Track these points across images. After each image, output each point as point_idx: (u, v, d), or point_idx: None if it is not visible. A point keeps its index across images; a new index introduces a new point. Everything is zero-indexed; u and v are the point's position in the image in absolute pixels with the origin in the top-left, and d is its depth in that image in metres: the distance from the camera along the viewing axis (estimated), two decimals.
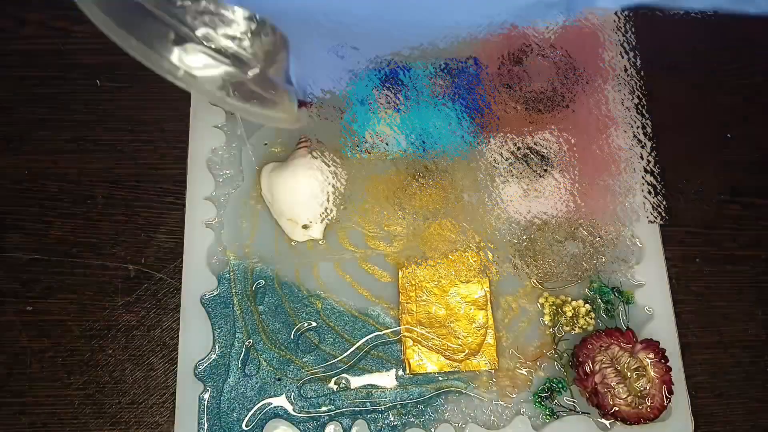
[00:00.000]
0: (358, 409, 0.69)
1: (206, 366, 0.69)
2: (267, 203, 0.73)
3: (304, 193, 0.71)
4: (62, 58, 0.79)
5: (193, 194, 0.74)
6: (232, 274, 0.72)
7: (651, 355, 0.70)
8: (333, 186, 0.73)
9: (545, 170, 0.77)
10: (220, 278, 0.72)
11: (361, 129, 0.77)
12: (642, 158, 0.79)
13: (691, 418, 0.71)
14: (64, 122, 0.77)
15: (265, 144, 0.77)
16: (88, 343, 0.71)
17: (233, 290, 0.72)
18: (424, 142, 0.77)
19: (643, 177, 0.78)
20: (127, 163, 0.77)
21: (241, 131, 0.77)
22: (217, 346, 0.70)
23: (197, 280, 0.72)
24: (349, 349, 0.71)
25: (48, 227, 0.74)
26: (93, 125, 0.78)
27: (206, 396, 0.68)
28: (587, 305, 0.73)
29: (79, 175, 0.76)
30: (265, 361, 0.70)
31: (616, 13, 0.84)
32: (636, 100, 0.81)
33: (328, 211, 0.73)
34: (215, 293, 0.71)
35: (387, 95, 0.78)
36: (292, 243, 0.74)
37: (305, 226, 0.72)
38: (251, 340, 0.70)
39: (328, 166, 0.73)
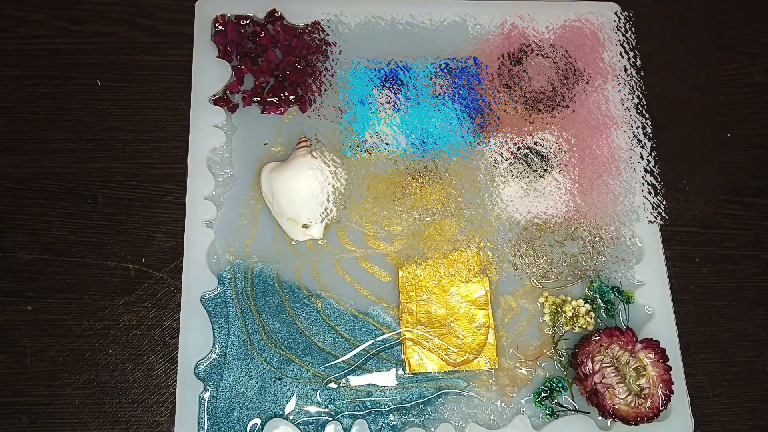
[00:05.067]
0: (359, 408, 0.69)
1: (206, 365, 0.69)
2: (267, 203, 0.73)
3: (304, 193, 0.71)
4: (62, 57, 0.79)
5: (193, 194, 0.74)
6: (232, 273, 0.72)
7: (651, 355, 0.70)
8: (333, 186, 0.73)
9: (545, 170, 0.77)
10: (220, 278, 0.72)
11: (361, 129, 0.77)
12: (642, 158, 0.79)
13: (691, 418, 0.71)
14: (64, 122, 0.77)
15: (266, 144, 0.77)
16: (88, 342, 0.71)
17: (233, 290, 0.72)
18: (424, 142, 0.77)
19: (643, 177, 0.78)
20: (127, 163, 0.77)
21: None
22: (217, 346, 0.70)
23: (197, 279, 0.71)
24: (349, 348, 0.71)
25: (48, 227, 0.74)
26: (93, 125, 0.78)
27: (206, 395, 0.68)
28: (587, 305, 0.73)
29: (79, 174, 0.76)
30: (265, 360, 0.70)
31: (616, 13, 0.84)
32: (636, 100, 0.81)
33: (328, 211, 0.73)
34: (215, 293, 0.71)
35: (387, 95, 0.78)
36: (293, 243, 0.74)
37: (305, 226, 0.72)
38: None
39: (328, 166, 0.73)
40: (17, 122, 0.77)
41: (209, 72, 0.78)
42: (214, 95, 0.77)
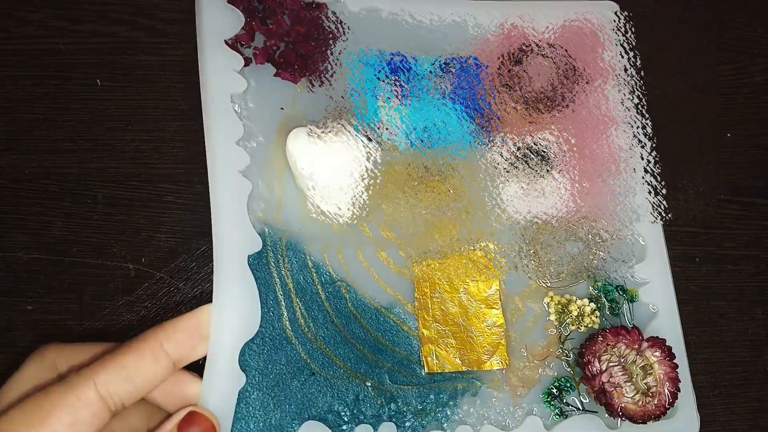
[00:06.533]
0: (384, 411, 0.68)
1: (250, 351, 0.62)
2: (295, 170, 0.69)
3: (347, 173, 0.70)
4: (62, 57, 0.79)
5: (217, 140, 0.66)
6: (268, 238, 0.67)
7: (657, 353, 0.70)
8: (371, 173, 0.72)
9: (546, 170, 0.77)
10: (262, 235, 0.66)
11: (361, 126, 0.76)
12: (642, 158, 0.79)
13: (697, 415, 0.71)
14: (64, 122, 0.77)
15: (282, 109, 0.74)
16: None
17: (272, 262, 0.66)
18: (423, 143, 0.77)
19: (643, 177, 0.79)
20: (127, 163, 0.76)
21: None
22: (259, 328, 0.63)
23: (234, 240, 0.63)
24: (373, 343, 0.69)
25: (48, 227, 0.74)
26: (93, 125, 0.77)
27: (242, 389, 0.61)
28: (592, 304, 0.73)
29: (79, 174, 0.75)
30: (304, 353, 0.66)
31: (616, 13, 0.85)
32: (636, 100, 0.81)
33: (362, 194, 0.71)
34: (260, 254, 0.65)
35: (386, 95, 0.78)
36: (317, 219, 0.70)
37: (336, 206, 0.70)
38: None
39: (370, 153, 0.72)
40: (17, 122, 0.76)
41: (219, 15, 0.72)
42: (227, 40, 0.71)
